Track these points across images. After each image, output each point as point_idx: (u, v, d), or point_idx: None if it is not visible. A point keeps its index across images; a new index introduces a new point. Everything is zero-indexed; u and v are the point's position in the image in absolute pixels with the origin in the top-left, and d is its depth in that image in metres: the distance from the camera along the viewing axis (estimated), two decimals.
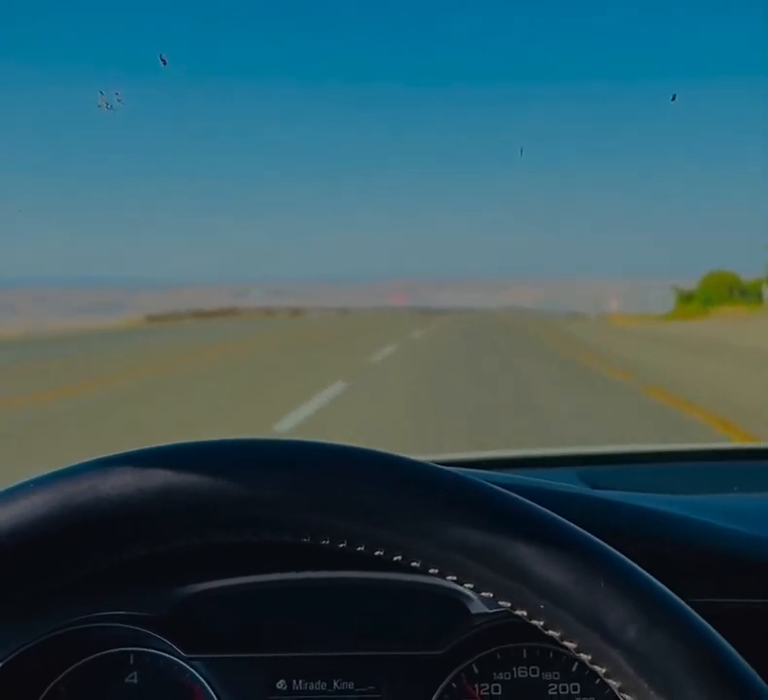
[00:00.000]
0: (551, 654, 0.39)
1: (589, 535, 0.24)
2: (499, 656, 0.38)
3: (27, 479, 0.24)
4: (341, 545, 0.23)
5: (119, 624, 0.38)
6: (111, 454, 0.24)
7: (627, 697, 0.23)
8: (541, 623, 0.23)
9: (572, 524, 0.24)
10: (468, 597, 0.37)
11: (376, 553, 0.23)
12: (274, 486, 0.22)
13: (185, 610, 0.38)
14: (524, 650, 0.38)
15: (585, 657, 0.23)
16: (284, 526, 0.23)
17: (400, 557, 0.23)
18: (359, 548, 0.23)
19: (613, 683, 0.23)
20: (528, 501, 0.24)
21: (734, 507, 0.47)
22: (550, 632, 0.23)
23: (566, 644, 0.23)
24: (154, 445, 0.25)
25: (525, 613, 0.24)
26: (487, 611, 0.37)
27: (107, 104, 0.47)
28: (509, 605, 0.24)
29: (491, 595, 0.24)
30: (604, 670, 0.23)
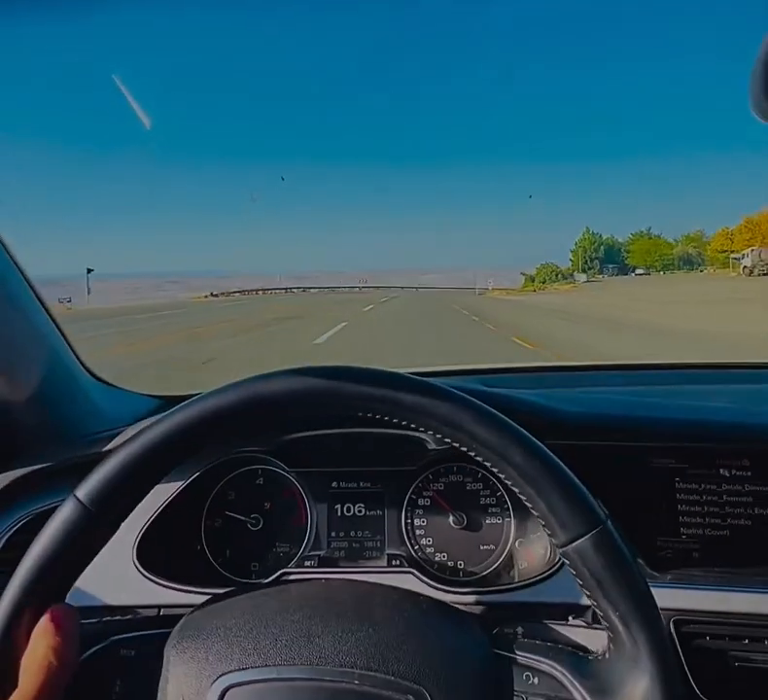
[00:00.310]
0: (477, 473, 0.76)
1: (494, 411, 0.42)
2: (442, 470, 0.76)
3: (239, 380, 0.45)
4: (384, 418, 0.42)
5: (255, 454, 0.76)
6: (288, 368, 0.45)
7: (523, 498, 0.41)
8: (473, 453, 0.42)
9: (494, 411, 0.42)
10: (427, 441, 0.75)
11: (394, 420, 0.43)
12: (359, 386, 0.42)
13: (287, 446, 0.76)
14: (455, 468, 0.76)
15: (496, 471, 0.41)
16: (354, 406, 0.43)
17: (405, 422, 0.42)
18: (387, 418, 0.42)
19: (515, 489, 0.41)
20: (465, 395, 0.43)
21: (562, 396, 0.80)
22: (476, 457, 0.42)
23: (485, 463, 0.41)
24: (310, 366, 0.44)
25: (465, 448, 0.42)
26: (437, 447, 0.74)
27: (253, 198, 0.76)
28: (457, 444, 0.42)
29: (449, 440, 0.42)
30: (509, 482, 0.41)
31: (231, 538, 0.76)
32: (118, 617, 0.49)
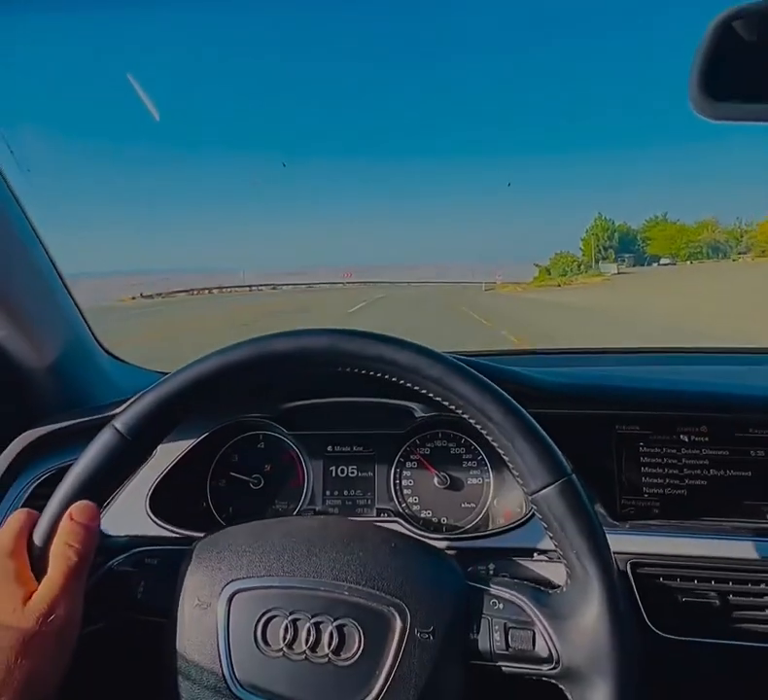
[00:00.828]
0: (461, 439, 0.83)
1: (479, 374, 0.48)
2: (429, 436, 0.83)
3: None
4: (384, 376, 0.49)
5: (257, 419, 0.83)
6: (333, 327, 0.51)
7: (501, 452, 0.47)
8: (459, 411, 0.48)
9: (480, 375, 0.48)
10: (415, 409, 0.82)
11: (393, 379, 0.49)
12: (363, 346, 0.48)
13: (287, 413, 0.83)
14: (440, 434, 0.83)
15: (478, 427, 0.47)
16: (358, 365, 0.49)
17: (401, 381, 0.48)
18: (386, 376, 0.49)
19: (494, 443, 0.46)
20: (468, 368, 0.48)
21: (544, 371, 0.86)
22: (461, 413, 0.47)
23: (469, 419, 0.47)
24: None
25: (452, 406, 0.47)
26: (424, 414, 0.81)
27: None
28: (448, 403, 0.47)
29: (438, 397, 0.47)
30: (489, 437, 0.47)
31: (234, 496, 0.83)
32: (142, 534, 0.56)
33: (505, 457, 0.47)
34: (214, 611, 0.46)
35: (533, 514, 0.73)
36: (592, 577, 0.43)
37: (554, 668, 0.44)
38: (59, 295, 0.87)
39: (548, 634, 0.44)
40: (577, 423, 0.78)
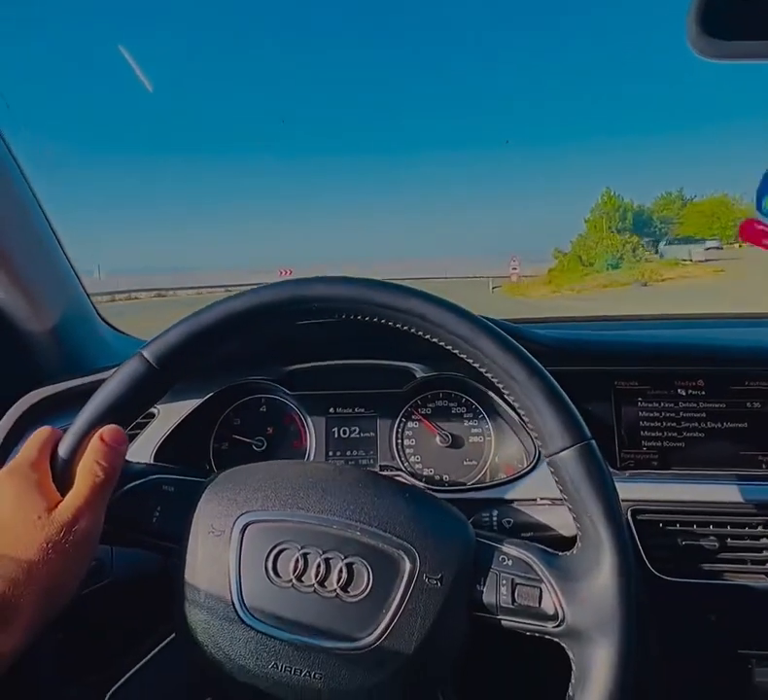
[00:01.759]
0: (461, 398, 0.84)
1: (507, 335, 0.47)
2: (430, 396, 0.84)
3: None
4: (412, 330, 0.48)
5: (259, 381, 0.83)
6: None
7: (521, 412, 0.46)
8: (483, 369, 0.47)
9: (507, 335, 0.48)
10: (415, 370, 0.83)
11: (419, 333, 0.48)
12: (395, 298, 0.48)
13: (290, 375, 0.83)
14: (441, 394, 0.84)
15: (501, 386, 0.46)
16: (390, 317, 0.48)
17: (428, 336, 0.48)
18: (415, 330, 0.48)
19: (515, 403, 0.46)
20: (490, 324, 0.48)
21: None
22: (486, 372, 0.47)
23: (492, 379, 0.47)
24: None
25: (476, 364, 0.47)
26: (425, 375, 0.82)
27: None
28: (472, 361, 0.47)
29: (464, 355, 0.47)
30: (511, 396, 0.47)
31: (237, 459, 0.82)
32: (163, 464, 0.56)
33: (525, 418, 0.47)
34: (227, 539, 0.47)
35: (533, 468, 0.74)
36: (604, 541, 0.43)
37: (558, 626, 0.44)
38: (59, 260, 0.87)
39: (556, 593, 0.44)
40: (578, 379, 0.79)
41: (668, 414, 0.78)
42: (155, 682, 0.56)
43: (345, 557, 0.46)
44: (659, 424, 0.78)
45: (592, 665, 0.41)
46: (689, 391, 0.79)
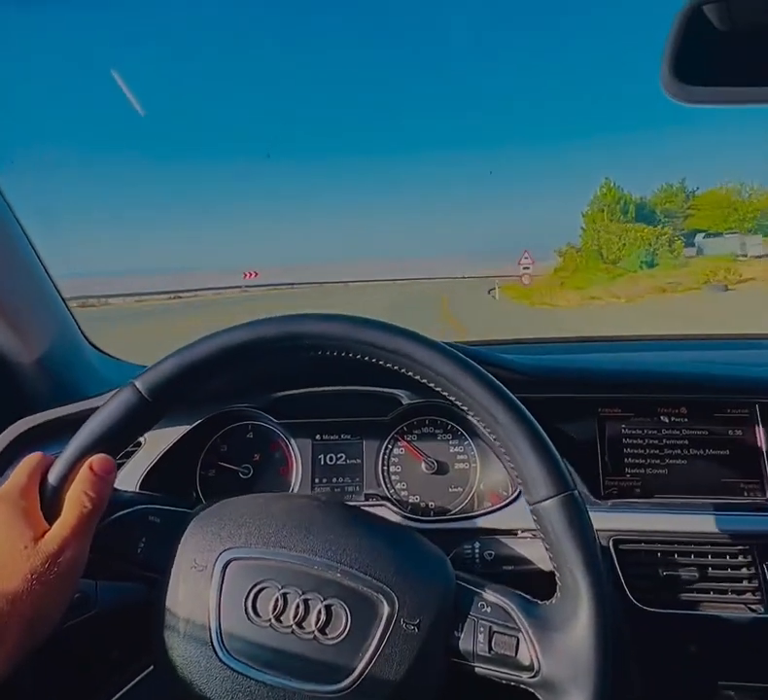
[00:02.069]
0: (447, 425, 0.84)
1: (492, 377, 0.48)
2: (415, 423, 0.84)
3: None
4: (401, 370, 0.49)
5: (246, 409, 0.84)
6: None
7: (505, 457, 0.46)
8: (466, 409, 0.48)
9: (493, 378, 0.48)
10: (401, 396, 0.83)
11: (409, 373, 0.49)
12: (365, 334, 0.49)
13: (276, 402, 0.84)
14: (427, 420, 0.84)
15: (484, 427, 0.47)
16: (381, 356, 0.49)
17: (416, 375, 0.49)
18: (403, 370, 0.49)
19: (497, 444, 0.47)
20: (462, 355, 0.48)
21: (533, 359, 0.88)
22: (470, 413, 0.48)
23: (476, 421, 0.48)
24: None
25: (465, 407, 0.48)
26: (411, 402, 0.83)
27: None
28: (455, 399, 0.48)
29: (451, 396, 0.48)
30: (493, 438, 0.47)
31: (224, 486, 0.83)
32: (150, 493, 0.56)
33: (508, 462, 0.47)
34: (209, 575, 0.47)
35: (517, 496, 0.75)
36: (583, 593, 0.43)
37: (533, 677, 0.44)
38: (46, 288, 0.87)
39: (533, 643, 0.44)
40: (562, 407, 0.80)
41: (651, 441, 0.79)
42: None
43: (324, 599, 0.46)
44: (642, 451, 0.79)
45: None
46: (672, 418, 0.80)
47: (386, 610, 0.45)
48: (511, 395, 0.48)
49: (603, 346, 1.16)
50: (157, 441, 0.79)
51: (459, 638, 0.46)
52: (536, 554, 0.65)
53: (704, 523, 0.69)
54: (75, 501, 0.46)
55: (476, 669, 0.45)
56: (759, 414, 0.78)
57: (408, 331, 0.50)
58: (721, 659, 0.67)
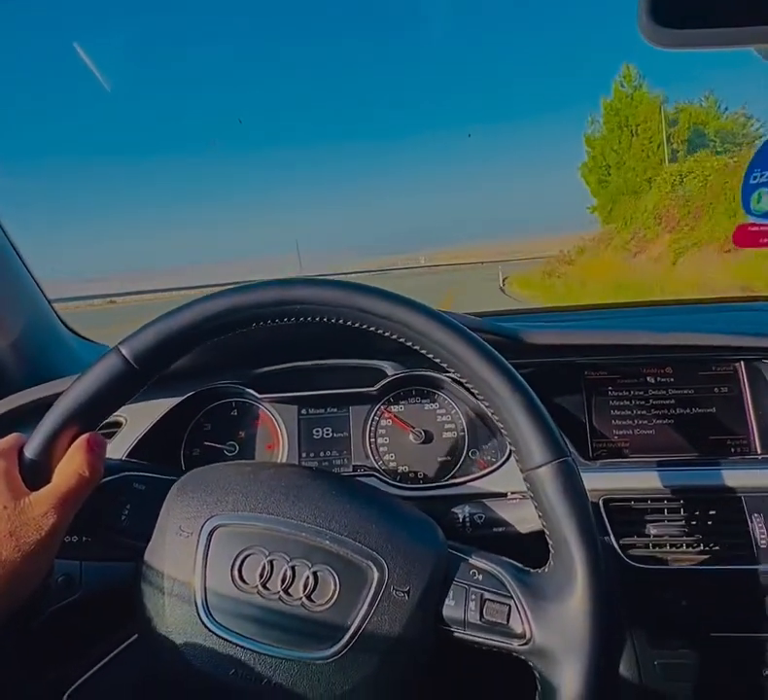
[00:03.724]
0: (434, 394, 0.83)
1: (497, 353, 0.46)
2: (402, 393, 0.83)
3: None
4: (400, 339, 0.47)
5: (228, 385, 0.82)
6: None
7: (500, 425, 0.45)
8: (466, 381, 0.46)
9: (492, 348, 0.46)
10: (386, 368, 0.82)
11: (401, 340, 0.47)
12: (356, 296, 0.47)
13: (259, 378, 0.82)
14: (413, 390, 0.83)
15: (481, 398, 0.46)
16: (375, 324, 0.47)
17: (415, 345, 0.47)
18: (402, 340, 0.47)
19: (494, 416, 0.45)
20: (458, 323, 0.47)
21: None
22: (468, 384, 0.46)
23: (473, 390, 0.46)
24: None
25: (459, 375, 0.46)
26: (396, 372, 0.82)
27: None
28: (453, 371, 0.46)
29: (450, 368, 0.46)
30: (490, 409, 0.46)
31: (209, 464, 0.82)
32: (135, 461, 0.55)
33: (503, 431, 0.46)
34: (195, 542, 0.46)
35: (506, 460, 0.74)
36: (577, 563, 0.42)
37: (524, 644, 0.43)
38: (19, 271, 0.85)
39: (525, 612, 0.43)
40: (549, 371, 0.80)
41: (638, 402, 0.79)
42: (114, 682, 0.55)
43: (312, 565, 0.45)
44: (630, 412, 0.79)
45: (558, 685, 0.41)
46: (658, 378, 0.79)
47: (375, 576, 0.44)
48: (507, 363, 0.47)
49: (590, 313, 1.15)
50: (138, 422, 0.77)
51: (450, 605, 0.45)
52: (526, 515, 0.65)
53: (692, 479, 0.69)
54: (72, 470, 0.46)
55: (467, 637, 0.45)
56: (744, 371, 0.78)
57: (404, 297, 0.48)
58: (712, 612, 0.68)
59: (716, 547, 0.66)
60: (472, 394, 0.48)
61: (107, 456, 0.52)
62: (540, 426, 0.45)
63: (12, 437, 0.48)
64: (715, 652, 0.68)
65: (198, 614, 0.44)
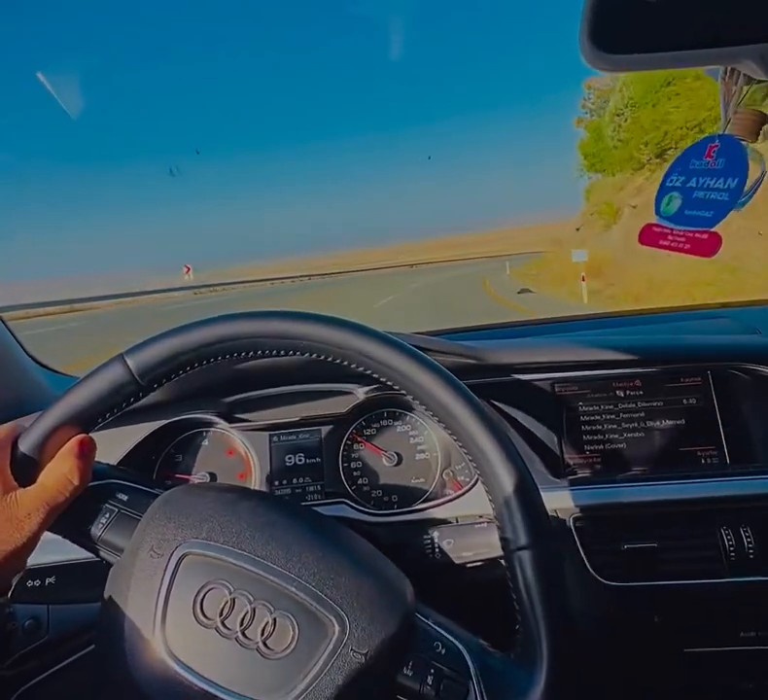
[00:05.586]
0: (406, 416, 0.83)
1: (492, 414, 0.49)
2: (374, 417, 0.83)
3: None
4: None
5: (199, 416, 0.81)
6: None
7: (485, 488, 0.45)
8: (411, 397, 0.48)
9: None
10: (356, 390, 0.81)
11: (349, 365, 0.48)
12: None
13: (230, 407, 0.82)
14: (385, 413, 0.83)
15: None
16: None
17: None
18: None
19: (480, 478, 0.45)
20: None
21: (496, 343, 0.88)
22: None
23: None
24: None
25: (453, 436, 0.46)
26: (367, 395, 0.81)
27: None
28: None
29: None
30: (478, 472, 0.46)
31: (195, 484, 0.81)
32: (123, 468, 0.54)
33: (488, 495, 0.46)
34: (164, 564, 0.45)
35: (478, 481, 0.74)
36: (544, 660, 0.42)
37: None
38: None
39: (483, 697, 0.42)
40: (520, 389, 0.80)
41: (608, 416, 0.79)
42: (66, 687, 0.53)
43: (274, 610, 0.44)
44: (600, 427, 0.79)
45: None
46: (628, 392, 0.80)
47: (336, 632, 0.43)
48: (505, 435, 0.46)
49: (556, 327, 1.16)
50: (109, 452, 0.76)
51: (407, 675, 0.44)
52: (496, 540, 0.65)
53: (663, 493, 0.69)
54: (63, 472, 0.46)
55: None
56: (712, 381, 0.78)
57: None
58: (685, 627, 0.68)
59: (688, 562, 0.66)
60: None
61: (96, 459, 0.51)
62: (527, 505, 0.44)
63: (8, 427, 0.48)
64: (690, 668, 0.67)
65: (154, 639, 0.43)
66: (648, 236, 0.51)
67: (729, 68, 0.52)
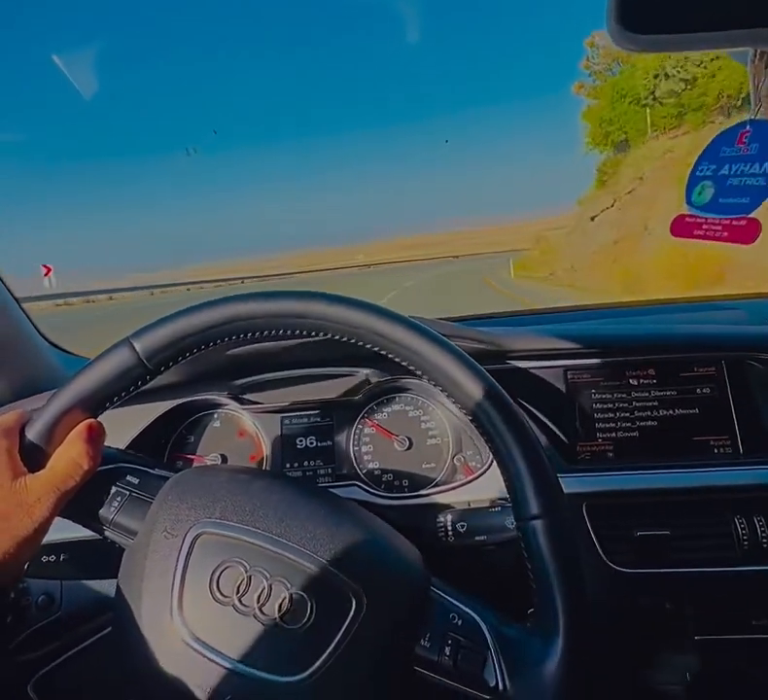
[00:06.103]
0: (418, 401, 0.83)
1: (503, 393, 0.46)
2: (385, 401, 0.83)
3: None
4: (412, 370, 0.47)
5: (211, 398, 0.81)
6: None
7: (500, 468, 0.45)
8: (468, 416, 0.46)
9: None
10: (369, 374, 0.82)
11: (359, 343, 0.48)
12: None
13: (241, 389, 0.82)
14: (397, 397, 0.83)
15: (485, 440, 0.46)
16: (393, 351, 0.47)
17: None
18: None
19: (494, 457, 0.45)
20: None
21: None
22: (473, 423, 0.46)
23: (447, 395, 0.46)
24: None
25: (469, 416, 0.46)
26: (380, 379, 0.81)
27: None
28: (458, 405, 0.46)
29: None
30: (489, 445, 0.45)
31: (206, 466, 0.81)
32: (132, 452, 0.55)
33: (500, 469, 0.46)
34: (178, 545, 0.45)
35: (490, 466, 0.74)
36: (561, 630, 0.42)
37: (498, 699, 0.42)
38: None
39: (500, 666, 0.42)
40: (533, 376, 0.80)
41: (621, 404, 0.79)
42: (83, 671, 0.54)
43: (290, 587, 0.44)
44: (613, 415, 0.79)
45: None
46: (641, 380, 0.79)
47: (353, 608, 0.43)
48: (517, 411, 0.46)
49: (567, 316, 1.15)
50: (119, 435, 0.76)
51: (424, 646, 0.44)
52: (508, 523, 0.65)
53: (675, 481, 0.69)
54: (73, 458, 0.46)
55: (438, 680, 0.44)
56: (726, 370, 0.78)
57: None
58: (696, 614, 0.68)
59: (700, 550, 0.66)
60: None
61: (106, 444, 0.51)
62: (538, 476, 0.43)
63: (16, 414, 0.48)
64: (699, 655, 0.68)
65: (172, 619, 0.43)
66: (681, 227, 0.50)
67: (759, 51, 0.52)
